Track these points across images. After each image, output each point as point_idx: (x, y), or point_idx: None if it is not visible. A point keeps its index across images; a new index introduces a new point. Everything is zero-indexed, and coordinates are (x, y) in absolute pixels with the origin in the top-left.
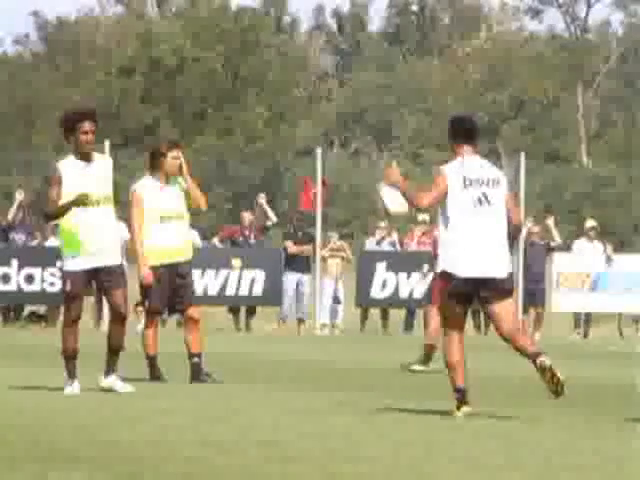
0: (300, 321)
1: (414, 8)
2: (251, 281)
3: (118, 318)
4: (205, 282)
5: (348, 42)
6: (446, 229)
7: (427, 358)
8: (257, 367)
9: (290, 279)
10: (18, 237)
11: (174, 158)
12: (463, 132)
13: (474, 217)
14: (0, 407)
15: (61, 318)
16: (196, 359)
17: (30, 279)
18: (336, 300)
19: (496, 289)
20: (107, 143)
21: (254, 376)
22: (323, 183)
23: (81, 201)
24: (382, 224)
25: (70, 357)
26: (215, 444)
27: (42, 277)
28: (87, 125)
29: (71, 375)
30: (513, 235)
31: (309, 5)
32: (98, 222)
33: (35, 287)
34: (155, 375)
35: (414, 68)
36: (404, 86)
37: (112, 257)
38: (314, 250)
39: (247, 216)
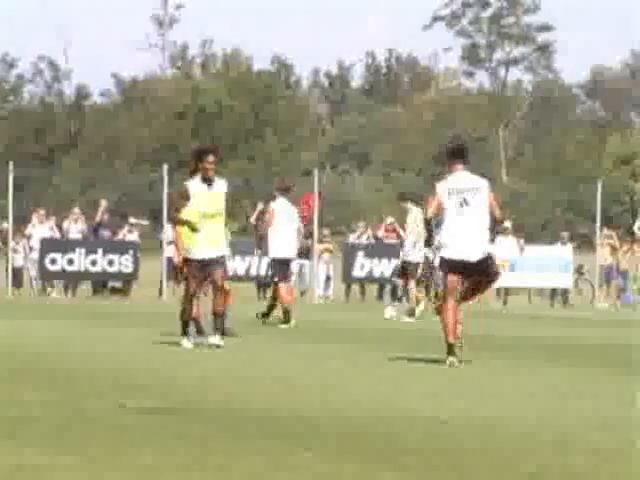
0: (303, 292)
1: (384, 71)
2: (268, 264)
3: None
4: (236, 265)
5: (337, 94)
6: (441, 225)
7: (286, 318)
8: (272, 325)
9: (296, 263)
10: (104, 233)
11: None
12: (456, 155)
13: (458, 216)
14: (88, 354)
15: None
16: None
17: (111, 263)
18: (328, 278)
19: (472, 268)
20: (165, 167)
21: (271, 332)
22: (319, 195)
23: (193, 228)
24: (360, 224)
25: (187, 321)
26: (243, 381)
27: (120, 262)
28: (211, 157)
29: (186, 333)
30: (495, 226)
31: (309, 68)
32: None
33: (114, 269)
34: (201, 331)
35: (384, 113)
36: (377, 126)
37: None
38: (312, 243)
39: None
